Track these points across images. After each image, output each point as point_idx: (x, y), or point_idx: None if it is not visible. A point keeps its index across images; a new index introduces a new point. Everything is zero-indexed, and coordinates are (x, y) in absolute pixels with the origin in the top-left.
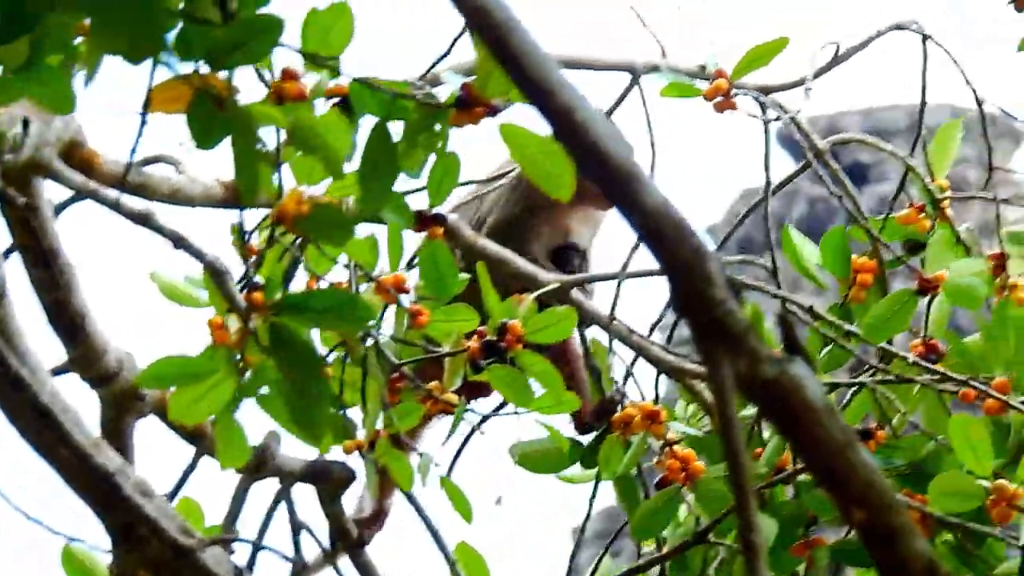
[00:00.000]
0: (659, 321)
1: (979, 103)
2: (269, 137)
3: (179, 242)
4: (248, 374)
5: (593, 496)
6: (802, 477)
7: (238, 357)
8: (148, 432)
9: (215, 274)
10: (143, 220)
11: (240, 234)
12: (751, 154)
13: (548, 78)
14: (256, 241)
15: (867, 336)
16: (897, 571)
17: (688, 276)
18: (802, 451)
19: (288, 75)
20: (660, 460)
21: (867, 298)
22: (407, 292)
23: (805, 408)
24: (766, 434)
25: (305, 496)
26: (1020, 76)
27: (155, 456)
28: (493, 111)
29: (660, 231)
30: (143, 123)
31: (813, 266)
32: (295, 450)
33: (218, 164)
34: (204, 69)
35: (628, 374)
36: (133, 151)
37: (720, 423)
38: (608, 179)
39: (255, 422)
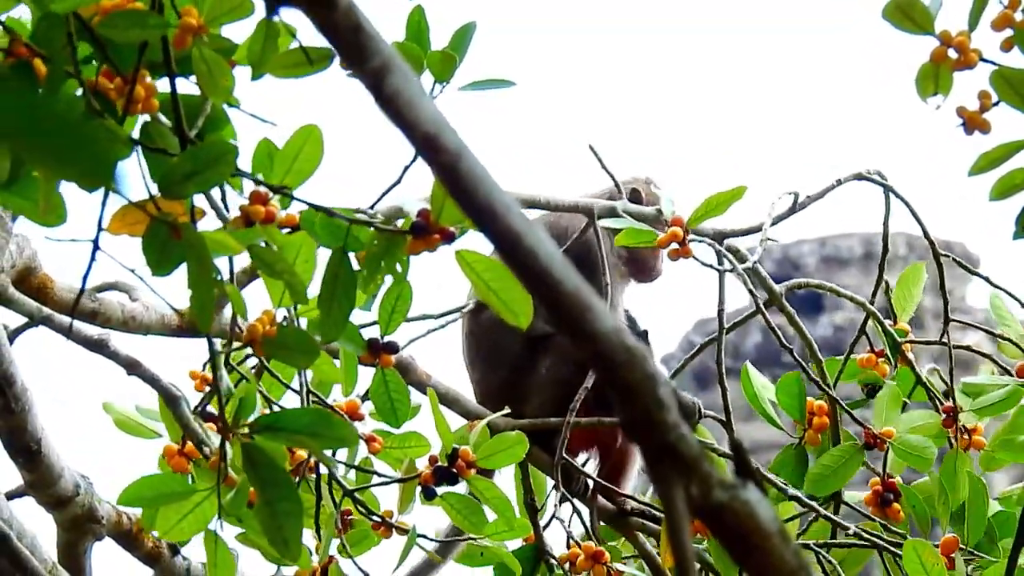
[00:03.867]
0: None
1: (932, 246)
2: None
3: (133, 368)
4: (231, 494)
5: None
6: None
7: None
8: (105, 555)
9: (169, 400)
10: (98, 347)
11: (213, 364)
12: (705, 283)
13: (496, 202)
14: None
15: (811, 490)
16: None
17: (639, 400)
18: (755, 575)
19: (256, 198)
20: None
21: (823, 441)
22: (361, 419)
23: (757, 533)
24: None
25: None
26: (978, 202)
27: None
28: (449, 238)
29: (611, 356)
30: (95, 249)
31: (769, 404)
32: (254, 568)
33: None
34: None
35: (575, 510)
36: (85, 279)
37: (672, 547)
38: (558, 304)
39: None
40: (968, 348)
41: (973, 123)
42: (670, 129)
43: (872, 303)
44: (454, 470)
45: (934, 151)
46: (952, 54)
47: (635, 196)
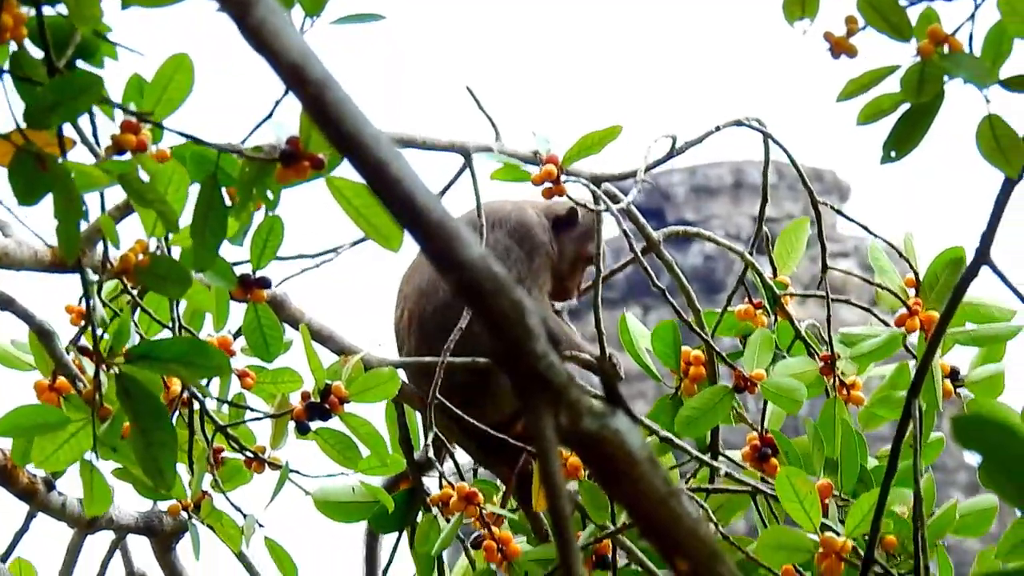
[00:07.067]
0: None
1: (811, 194)
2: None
3: (7, 305)
4: (106, 424)
5: (389, 562)
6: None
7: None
8: None
9: (43, 336)
10: None
11: (86, 294)
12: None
13: (362, 132)
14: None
15: (680, 431)
16: None
17: (508, 329)
18: (625, 503)
19: (128, 127)
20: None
21: (698, 391)
22: (233, 355)
23: (627, 460)
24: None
25: (140, 546)
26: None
27: None
28: (319, 165)
29: (479, 285)
30: None
31: (646, 353)
32: (128, 502)
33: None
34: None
35: (447, 451)
36: None
37: (541, 476)
38: (425, 233)
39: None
40: (848, 301)
41: (839, 47)
42: (548, 69)
43: (751, 253)
44: (326, 406)
45: (806, 78)
46: None
47: (570, 216)
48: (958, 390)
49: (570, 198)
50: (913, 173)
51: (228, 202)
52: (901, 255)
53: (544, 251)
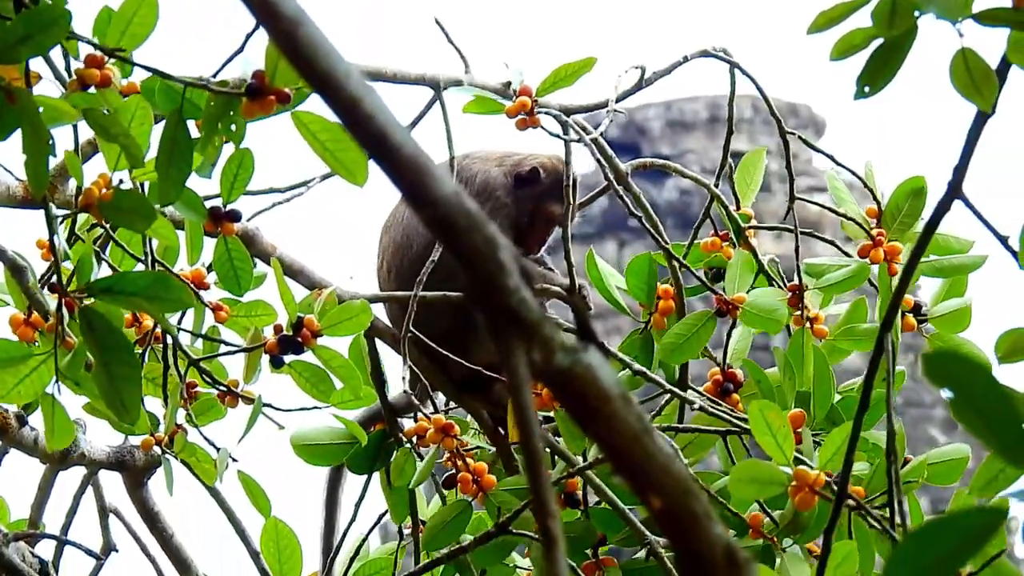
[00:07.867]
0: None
1: (779, 123)
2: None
3: None
4: (67, 357)
5: (362, 496)
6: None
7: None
8: None
9: (15, 271)
10: None
11: (50, 230)
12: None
13: (335, 68)
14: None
15: (663, 358)
16: (696, 557)
17: (481, 265)
18: (598, 440)
19: (92, 61)
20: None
21: (668, 324)
22: (206, 288)
23: (600, 396)
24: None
25: (112, 483)
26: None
27: None
28: (285, 99)
29: (452, 221)
30: None
31: (615, 290)
32: (100, 437)
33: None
34: None
35: (422, 384)
36: None
37: (514, 412)
38: (397, 169)
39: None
40: (812, 234)
41: None
42: (519, 1)
43: (717, 185)
44: (299, 339)
45: (787, 12)
46: None
47: (532, 175)
48: (922, 325)
49: (546, 131)
50: (889, 108)
51: (195, 134)
52: (866, 186)
53: (504, 212)
